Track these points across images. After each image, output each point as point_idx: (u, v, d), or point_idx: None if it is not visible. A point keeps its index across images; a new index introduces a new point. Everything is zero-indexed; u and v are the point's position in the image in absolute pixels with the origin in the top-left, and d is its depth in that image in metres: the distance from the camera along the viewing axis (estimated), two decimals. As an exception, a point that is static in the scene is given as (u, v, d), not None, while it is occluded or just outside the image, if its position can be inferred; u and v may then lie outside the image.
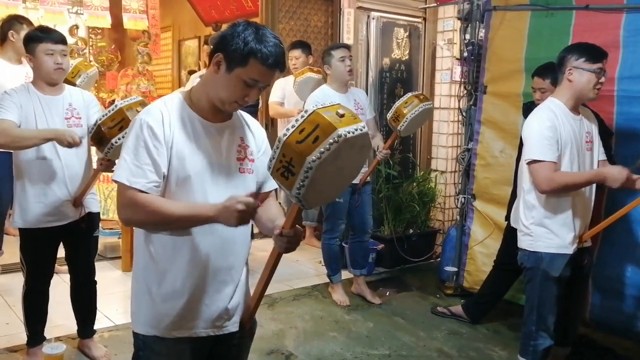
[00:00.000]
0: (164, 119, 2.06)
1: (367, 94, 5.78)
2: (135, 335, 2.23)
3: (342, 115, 1.86)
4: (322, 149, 1.79)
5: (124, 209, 2.06)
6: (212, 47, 2.13)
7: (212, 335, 2.24)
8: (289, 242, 2.02)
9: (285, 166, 1.87)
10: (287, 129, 1.88)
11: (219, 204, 1.97)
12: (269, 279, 2.20)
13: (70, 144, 3.41)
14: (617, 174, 3.23)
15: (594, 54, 3.32)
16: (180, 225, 2.07)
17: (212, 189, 2.11)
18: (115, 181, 2.04)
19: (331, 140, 1.79)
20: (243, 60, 2.01)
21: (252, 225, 2.32)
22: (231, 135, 2.21)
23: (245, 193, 2.11)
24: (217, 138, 2.16)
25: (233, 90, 2.06)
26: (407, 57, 6.83)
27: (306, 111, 1.88)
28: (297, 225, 2.03)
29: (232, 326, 2.28)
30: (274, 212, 2.30)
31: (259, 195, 2.23)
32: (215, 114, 2.16)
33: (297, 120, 1.88)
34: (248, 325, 2.36)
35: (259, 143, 2.33)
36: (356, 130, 1.85)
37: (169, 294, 2.15)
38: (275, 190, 2.42)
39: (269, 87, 6.12)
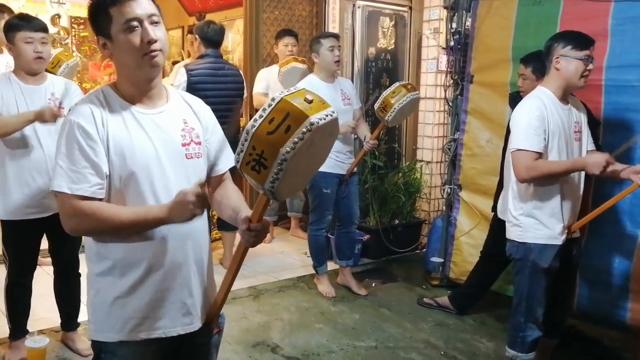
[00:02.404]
0: (95, 116, 1.93)
1: (352, 83, 5.73)
2: (95, 342, 2.11)
3: (310, 101, 1.76)
4: (295, 139, 1.69)
5: (68, 220, 1.93)
6: (98, 37, 2.00)
7: (181, 333, 2.12)
8: (256, 235, 1.91)
9: (256, 159, 1.74)
10: (255, 119, 1.75)
11: (168, 203, 1.90)
12: (236, 273, 2.09)
13: (54, 116, 3.39)
14: (596, 159, 3.21)
15: (580, 41, 3.30)
16: (131, 231, 1.96)
17: (159, 182, 1.99)
18: (55, 192, 1.92)
19: (304, 129, 1.69)
20: (107, 17, 1.92)
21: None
22: (172, 119, 2.09)
23: (196, 179, 2.05)
24: (157, 124, 2.03)
25: (130, 47, 1.92)
26: (392, 47, 6.78)
27: (273, 99, 1.75)
28: (264, 218, 1.93)
29: (198, 322, 2.17)
30: (235, 199, 2.20)
31: (214, 179, 2.18)
32: (146, 97, 2.05)
33: (264, 110, 1.75)
34: (215, 321, 2.25)
35: (204, 123, 2.20)
36: (327, 116, 1.76)
37: (131, 296, 2.03)
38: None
39: (252, 78, 6.17)
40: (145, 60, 1.95)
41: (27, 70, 3.56)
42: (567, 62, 3.29)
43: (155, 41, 1.94)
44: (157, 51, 1.95)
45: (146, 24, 1.94)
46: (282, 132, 1.71)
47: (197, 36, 5.17)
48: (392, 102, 4.70)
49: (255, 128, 1.74)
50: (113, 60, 2.03)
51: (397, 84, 4.87)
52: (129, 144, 1.96)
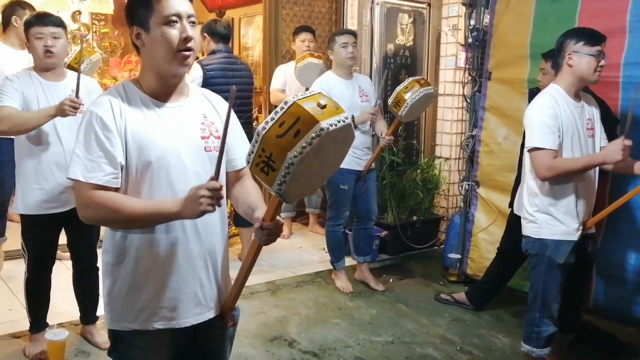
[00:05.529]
0: (114, 108, 1.98)
1: (371, 79, 5.74)
2: (111, 331, 2.17)
3: (323, 106, 1.76)
4: (303, 144, 1.71)
5: (84, 208, 1.99)
6: (132, 28, 2.05)
7: (194, 324, 2.16)
8: (269, 234, 1.96)
9: (265, 161, 1.78)
10: (267, 122, 1.77)
11: (181, 198, 1.91)
12: (250, 269, 2.13)
13: (74, 107, 3.41)
14: (613, 147, 3.20)
15: (592, 36, 3.31)
16: (144, 223, 2.01)
17: (177, 173, 2.03)
18: (71, 179, 1.98)
19: (313, 135, 1.70)
20: (149, 9, 1.98)
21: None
22: (191, 113, 2.13)
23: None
24: (176, 118, 2.08)
25: (166, 41, 1.98)
26: (411, 43, 6.78)
27: (286, 102, 1.77)
28: (277, 218, 1.97)
29: (211, 312, 2.21)
30: (253, 196, 2.24)
31: (232, 175, 2.20)
32: (168, 92, 2.10)
33: (276, 113, 1.77)
34: (229, 314, 2.28)
35: (224, 118, 2.22)
36: (339, 122, 1.75)
37: (144, 286, 2.08)
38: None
39: (271, 74, 6.21)
40: (177, 58, 2.01)
41: (41, 65, 3.61)
42: (579, 58, 3.30)
43: (192, 39, 2.01)
44: (190, 51, 2.01)
45: (185, 21, 2.01)
46: (291, 137, 1.73)
47: (205, 34, 5.21)
48: (405, 97, 4.70)
49: (265, 130, 1.76)
50: (142, 52, 2.06)
51: (411, 79, 4.86)
52: (148, 136, 2.00)
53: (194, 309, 2.16)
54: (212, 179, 1.88)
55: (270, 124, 1.76)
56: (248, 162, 1.83)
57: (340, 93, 4.66)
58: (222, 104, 2.28)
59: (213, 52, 5.16)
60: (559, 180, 3.33)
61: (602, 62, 3.29)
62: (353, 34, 4.99)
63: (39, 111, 3.49)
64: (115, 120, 1.97)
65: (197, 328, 2.18)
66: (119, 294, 2.11)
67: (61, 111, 3.42)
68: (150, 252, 2.06)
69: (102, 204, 1.95)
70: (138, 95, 2.06)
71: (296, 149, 1.71)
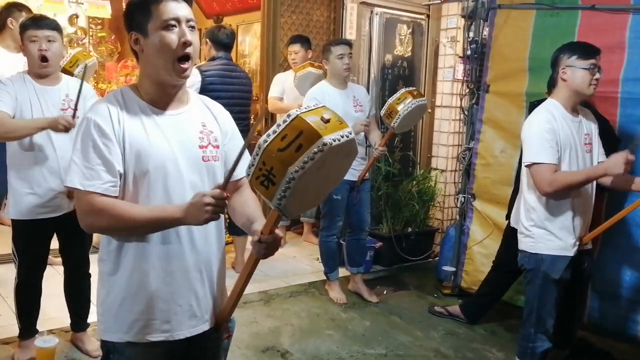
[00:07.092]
0: (112, 115, 1.95)
1: (368, 90, 5.72)
2: (104, 342, 2.13)
3: (327, 121, 1.72)
4: (305, 159, 1.67)
5: (84, 216, 1.96)
6: (131, 33, 2.02)
7: (188, 336, 2.13)
8: (267, 248, 1.92)
9: (265, 175, 1.74)
10: (268, 135, 1.74)
11: (185, 204, 1.89)
12: (246, 282, 2.09)
13: (66, 128, 3.37)
14: (615, 159, 3.20)
15: (585, 50, 3.32)
16: (146, 230, 1.99)
17: (174, 182, 2.01)
18: (68, 187, 1.95)
19: (315, 149, 1.67)
20: (147, 14, 1.95)
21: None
22: (190, 121, 2.10)
23: (212, 182, 2.06)
24: (174, 126, 2.05)
25: (166, 44, 1.95)
26: (409, 54, 6.78)
27: (289, 115, 1.73)
28: (275, 232, 1.93)
29: (206, 325, 2.18)
30: (251, 207, 2.20)
31: (230, 184, 2.15)
32: (167, 100, 2.07)
33: (278, 126, 1.74)
34: (224, 326, 2.25)
35: (224, 127, 2.21)
36: (342, 137, 1.72)
37: (140, 297, 2.04)
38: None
39: (268, 82, 6.19)
40: (175, 70, 1.98)
41: (34, 70, 3.55)
42: (573, 72, 3.31)
43: (191, 44, 1.98)
44: (188, 60, 1.99)
45: (184, 25, 1.98)
46: (293, 151, 1.69)
47: (207, 40, 5.21)
48: (397, 108, 4.69)
49: (267, 143, 1.73)
50: (141, 58, 2.04)
51: (403, 90, 4.86)
52: (146, 144, 1.97)
53: (189, 321, 2.13)
54: (219, 187, 1.87)
55: (272, 136, 1.73)
56: (248, 174, 1.80)
57: (333, 103, 4.60)
58: (223, 113, 2.26)
59: (213, 59, 5.15)
60: (562, 195, 3.31)
61: (597, 76, 3.28)
62: (349, 44, 4.96)
63: (32, 121, 3.44)
64: (113, 127, 1.94)
65: (191, 340, 2.15)
66: (113, 304, 2.08)
67: (54, 127, 3.38)
68: (145, 263, 2.03)
69: (103, 211, 1.92)
70: (136, 102, 2.04)
71: (298, 163, 1.68)
